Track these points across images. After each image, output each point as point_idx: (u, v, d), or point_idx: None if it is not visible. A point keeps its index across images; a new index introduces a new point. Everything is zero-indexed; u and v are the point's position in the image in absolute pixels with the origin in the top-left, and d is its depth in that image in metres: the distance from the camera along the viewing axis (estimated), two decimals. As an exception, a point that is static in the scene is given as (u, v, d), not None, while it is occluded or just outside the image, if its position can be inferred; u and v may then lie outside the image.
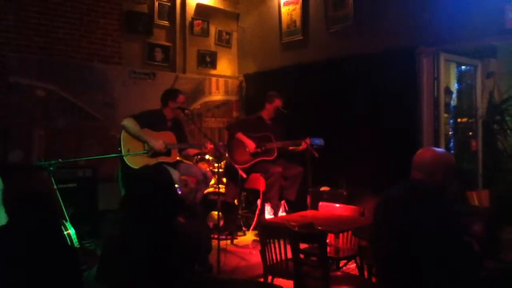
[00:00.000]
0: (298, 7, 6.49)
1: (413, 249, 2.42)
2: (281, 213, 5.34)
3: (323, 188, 5.47)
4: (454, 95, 6.20)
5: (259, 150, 5.43)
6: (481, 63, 5.88)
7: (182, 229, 2.22)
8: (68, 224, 3.59)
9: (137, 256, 1.97)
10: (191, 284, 2.08)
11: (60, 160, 3.91)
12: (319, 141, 5.23)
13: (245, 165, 5.43)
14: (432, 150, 2.71)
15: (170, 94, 4.92)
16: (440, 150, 2.85)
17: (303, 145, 5.27)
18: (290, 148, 5.47)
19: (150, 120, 4.72)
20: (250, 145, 5.42)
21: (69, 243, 3.39)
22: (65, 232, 3.47)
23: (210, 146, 4.92)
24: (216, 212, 5.01)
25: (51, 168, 3.74)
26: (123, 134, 4.55)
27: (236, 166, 5.45)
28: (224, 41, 7.39)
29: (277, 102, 5.57)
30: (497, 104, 5.95)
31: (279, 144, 5.44)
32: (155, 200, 2.03)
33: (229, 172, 5.64)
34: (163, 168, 2.24)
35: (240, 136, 5.51)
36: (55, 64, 5.64)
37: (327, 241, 3.25)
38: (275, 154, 5.43)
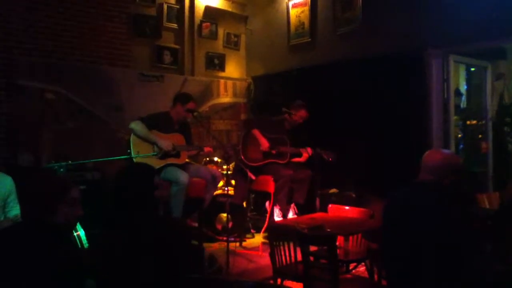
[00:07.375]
0: (306, 9, 6.48)
1: (421, 250, 2.40)
2: (292, 216, 5.32)
3: (332, 191, 5.46)
4: (464, 97, 6.16)
5: (273, 151, 5.41)
6: (490, 65, 5.84)
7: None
8: (77, 226, 3.60)
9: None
10: (200, 286, 2.08)
11: (69, 162, 3.91)
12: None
13: (256, 164, 5.41)
14: (441, 152, 2.72)
15: (182, 97, 4.95)
16: (448, 151, 2.85)
17: (304, 155, 5.30)
18: (293, 160, 5.48)
19: (158, 122, 4.75)
20: (264, 144, 5.39)
21: (79, 244, 3.41)
22: (75, 233, 3.48)
23: (207, 149, 5.00)
24: (224, 214, 5.00)
25: (61, 170, 3.75)
26: (132, 137, 4.57)
27: (247, 163, 5.40)
28: (232, 43, 7.39)
29: (302, 113, 5.54)
30: (507, 105, 5.91)
31: (292, 150, 5.42)
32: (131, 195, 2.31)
33: (238, 174, 5.63)
34: (145, 166, 2.50)
35: (256, 132, 5.48)
36: (64, 67, 5.66)
37: (337, 243, 3.23)
38: (288, 158, 5.42)
